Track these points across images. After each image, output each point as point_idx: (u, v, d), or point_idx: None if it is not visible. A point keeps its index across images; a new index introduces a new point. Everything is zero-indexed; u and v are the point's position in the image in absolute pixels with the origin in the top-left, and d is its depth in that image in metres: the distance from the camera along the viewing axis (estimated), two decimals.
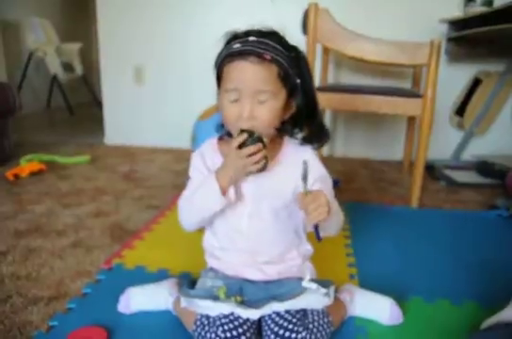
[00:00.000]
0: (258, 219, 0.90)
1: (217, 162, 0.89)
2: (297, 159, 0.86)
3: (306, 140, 0.92)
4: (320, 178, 0.88)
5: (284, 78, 0.83)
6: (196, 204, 0.88)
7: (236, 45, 0.82)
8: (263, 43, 0.81)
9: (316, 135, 0.92)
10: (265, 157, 0.82)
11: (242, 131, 0.81)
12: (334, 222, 0.85)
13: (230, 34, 0.86)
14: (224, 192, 0.84)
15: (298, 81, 0.86)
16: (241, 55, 0.81)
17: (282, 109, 0.85)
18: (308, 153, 0.91)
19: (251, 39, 0.82)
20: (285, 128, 0.90)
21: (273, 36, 0.84)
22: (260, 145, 0.80)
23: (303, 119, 0.89)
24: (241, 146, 0.81)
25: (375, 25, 2.39)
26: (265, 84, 0.81)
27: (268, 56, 0.80)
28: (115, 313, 0.98)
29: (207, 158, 0.92)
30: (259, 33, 0.84)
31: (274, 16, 2.49)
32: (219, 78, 0.87)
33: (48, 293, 1.07)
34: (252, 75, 0.80)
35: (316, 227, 0.80)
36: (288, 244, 0.94)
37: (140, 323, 0.95)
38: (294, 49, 0.87)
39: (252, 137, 0.80)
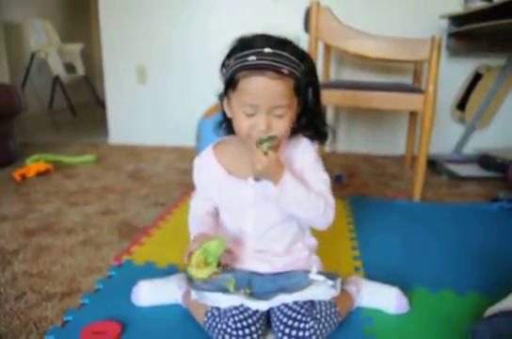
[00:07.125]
0: (264, 221, 0.93)
1: (215, 173, 0.94)
2: (297, 161, 0.89)
3: (309, 138, 0.93)
4: (314, 182, 0.89)
5: (298, 89, 0.83)
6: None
7: (251, 58, 0.79)
8: (279, 56, 0.79)
9: (320, 131, 0.93)
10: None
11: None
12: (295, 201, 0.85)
13: (242, 41, 0.84)
14: None
15: (310, 90, 0.86)
16: (258, 69, 0.78)
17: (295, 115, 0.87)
18: (307, 155, 0.90)
19: (267, 51, 0.79)
20: (293, 128, 0.89)
21: (287, 46, 0.82)
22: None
23: (310, 116, 0.90)
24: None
25: (375, 22, 2.41)
26: (283, 99, 0.80)
27: (286, 71, 0.79)
28: (127, 307, 1.01)
29: (203, 171, 0.96)
30: (274, 43, 0.81)
31: (275, 16, 2.51)
32: (229, 85, 0.83)
33: (61, 289, 1.10)
34: (270, 91, 0.79)
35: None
36: (293, 238, 0.97)
37: (153, 317, 0.98)
38: (306, 57, 0.85)
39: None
